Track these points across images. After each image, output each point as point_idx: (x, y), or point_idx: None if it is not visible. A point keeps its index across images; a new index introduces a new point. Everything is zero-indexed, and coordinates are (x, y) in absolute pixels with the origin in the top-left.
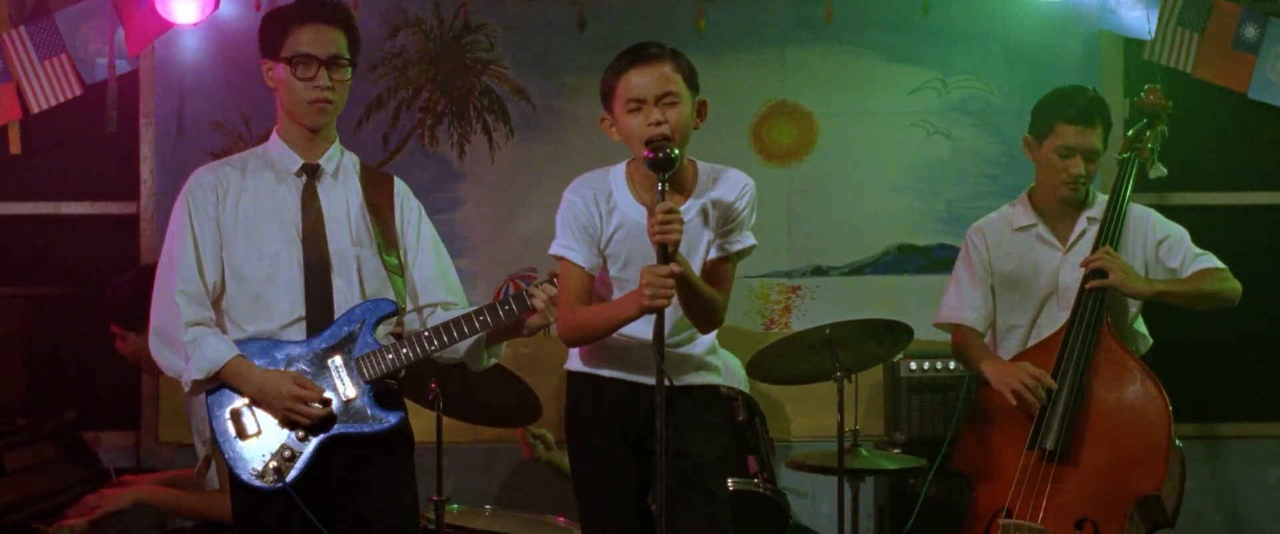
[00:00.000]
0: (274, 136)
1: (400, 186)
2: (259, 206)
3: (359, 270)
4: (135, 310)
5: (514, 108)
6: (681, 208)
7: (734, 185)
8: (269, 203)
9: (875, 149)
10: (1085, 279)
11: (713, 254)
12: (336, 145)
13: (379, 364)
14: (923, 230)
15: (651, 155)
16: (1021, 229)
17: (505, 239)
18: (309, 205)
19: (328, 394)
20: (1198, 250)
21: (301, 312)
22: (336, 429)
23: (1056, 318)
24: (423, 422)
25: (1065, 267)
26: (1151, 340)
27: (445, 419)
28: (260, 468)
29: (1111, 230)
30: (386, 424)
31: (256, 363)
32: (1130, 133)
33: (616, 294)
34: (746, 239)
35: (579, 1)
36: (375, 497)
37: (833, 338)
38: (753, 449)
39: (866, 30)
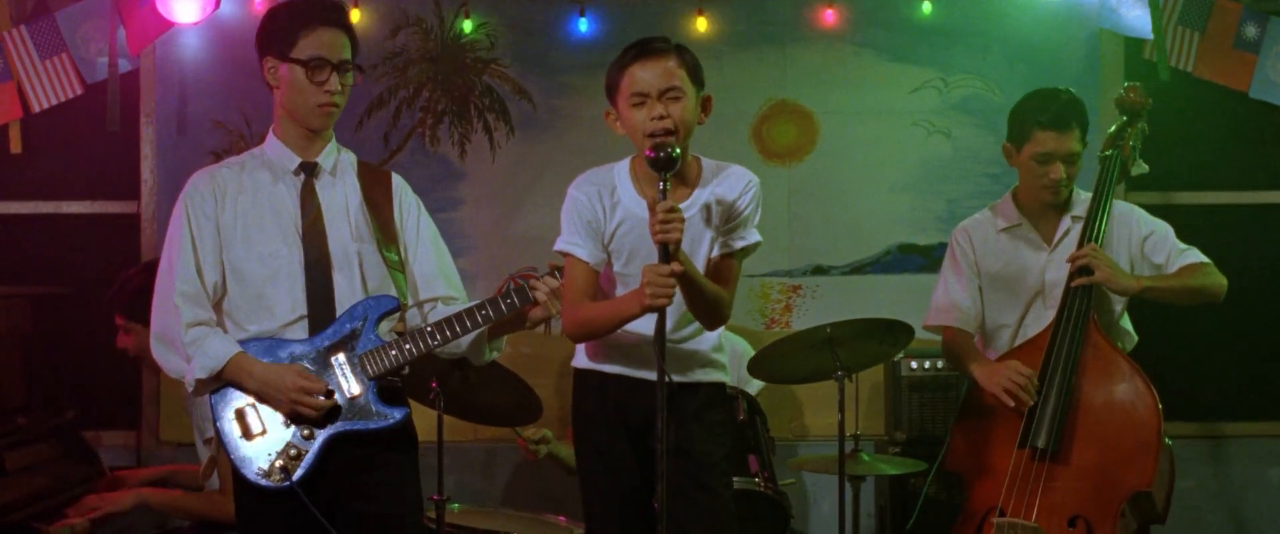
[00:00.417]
0: (270, 137)
1: (398, 182)
2: (258, 207)
3: (360, 267)
4: (142, 303)
5: (514, 107)
6: (684, 204)
7: (738, 182)
8: (268, 202)
9: (876, 148)
10: (1071, 277)
11: (717, 251)
12: (333, 143)
13: (382, 360)
14: (923, 230)
15: (653, 154)
16: (1007, 229)
17: (506, 238)
18: (308, 204)
19: (332, 391)
20: (1182, 246)
21: (303, 310)
22: (341, 426)
23: (1043, 317)
24: (424, 421)
25: (1051, 266)
26: (1137, 338)
27: (446, 418)
28: (267, 467)
29: (1096, 228)
30: (391, 420)
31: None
32: (1112, 130)
33: (620, 291)
34: (751, 235)
35: (580, 1)
36: (379, 495)
37: (833, 337)
38: (753, 448)
39: (867, 29)
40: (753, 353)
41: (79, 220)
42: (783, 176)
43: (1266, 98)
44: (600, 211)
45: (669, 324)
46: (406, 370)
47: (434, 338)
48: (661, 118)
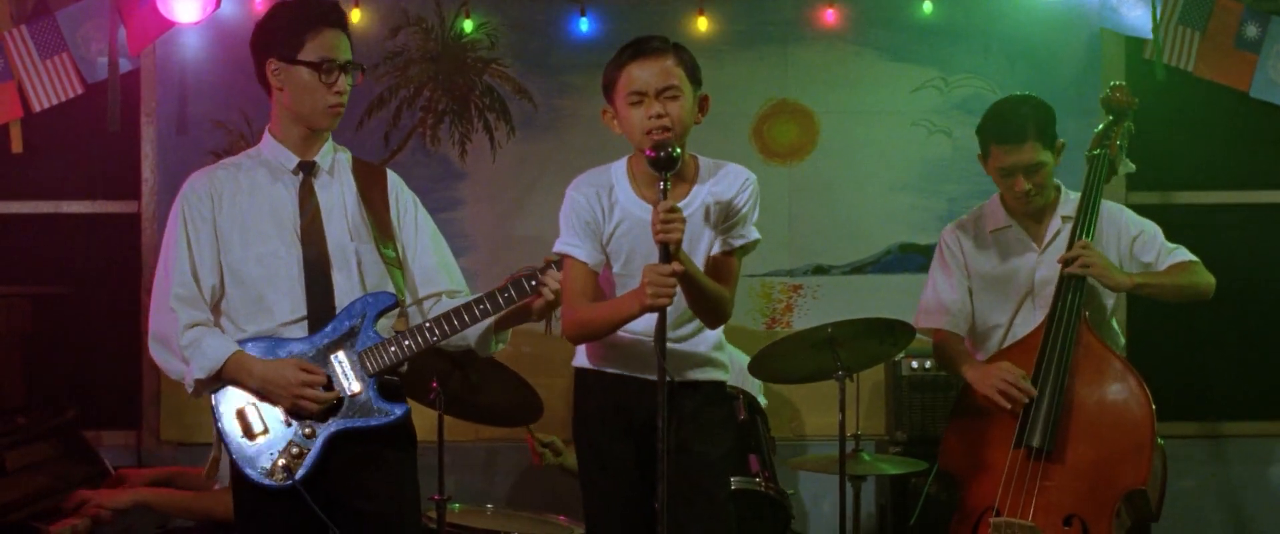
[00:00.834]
0: (267, 137)
1: (393, 179)
2: (256, 207)
3: (358, 265)
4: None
5: (515, 106)
6: (682, 203)
7: (735, 180)
8: (265, 202)
9: (877, 148)
10: (1063, 275)
11: (717, 249)
12: (330, 142)
13: (382, 357)
14: (924, 229)
15: (654, 154)
16: (997, 230)
17: (506, 238)
18: (306, 203)
19: (333, 387)
20: (1171, 245)
21: (303, 311)
22: (343, 423)
23: (1034, 318)
24: (424, 420)
25: (1042, 266)
26: (1124, 339)
27: (447, 418)
28: (269, 466)
29: (1085, 227)
30: (393, 416)
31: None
32: (1099, 130)
33: (619, 293)
34: (750, 233)
35: (581, 0)
36: (378, 494)
37: (834, 337)
38: (754, 448)
39: (868, 29)
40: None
41: (79, 220)
42: (783, 176)
43: (1267, 97)
44: (599, 212)
45: (669, 324)
46: (406, 367)
47: (433, 333)
48: (659, 117)
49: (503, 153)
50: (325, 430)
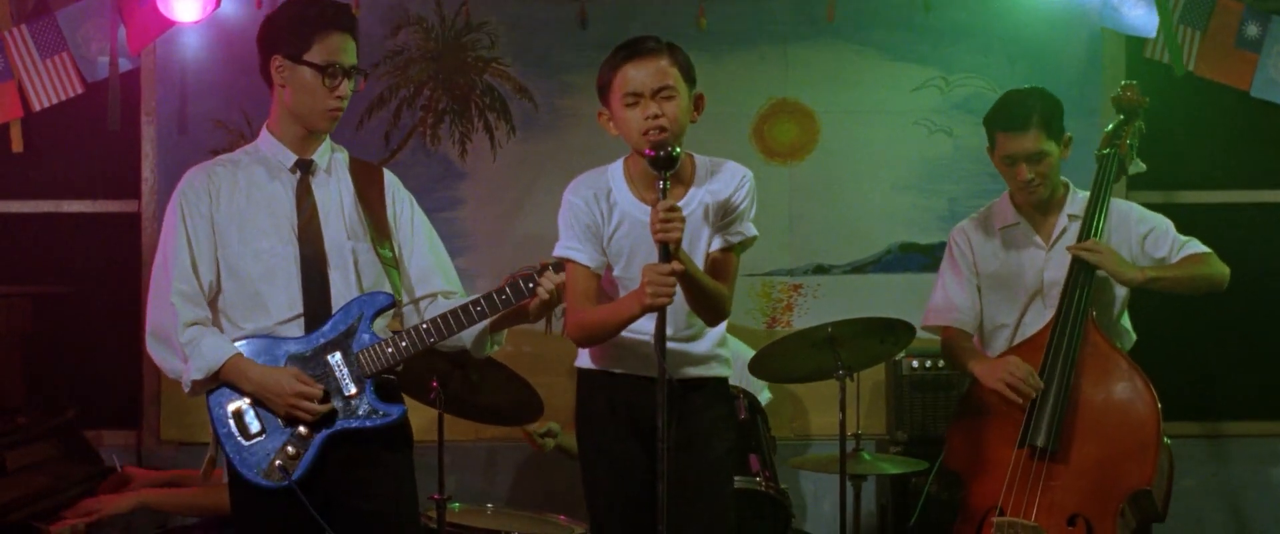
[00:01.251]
0: (265, 133)
1: (390, 179)
2: (253, 204)
3: (355, 264)
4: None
5: (516, 106)
6: (680, 202)
7: (732, 177)
8: (263, 200)
9: (877, 147)
10: (1071, 273)
11: (715, 246)
12: (328, 142)
13: (379, 358)
14: (925, 229)
15: (653, 154)
16: (1005, 228)
17: (507, 238)
18: (303, 201)
19: (328, 390)
20: (1183, 237)
21: (299, 308)
22: (339, 424)
23: (1042, 316)
24: (424, 420)
25: (1049, 265)
26: (1135, 337)
27: (447, 417)
28: (266, 467)
29: (1094, 226)
30: (390, 417)
31: (256, 361)
32: (1109, 129)
33: (620, 294)
34: (748, 229)
35: None
36: (375, 494)
37: (835, 336)
38: (755, 447)
39: (868, 28)
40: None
41: (80, 219)
42: (784, 175)
43: (1268, 97)
44: (598, 215)
45: (672, 323)
46: (401, 367)
47: (430, 334)
48: (656, 117)
49: (503, 152)
50: (322, 432)
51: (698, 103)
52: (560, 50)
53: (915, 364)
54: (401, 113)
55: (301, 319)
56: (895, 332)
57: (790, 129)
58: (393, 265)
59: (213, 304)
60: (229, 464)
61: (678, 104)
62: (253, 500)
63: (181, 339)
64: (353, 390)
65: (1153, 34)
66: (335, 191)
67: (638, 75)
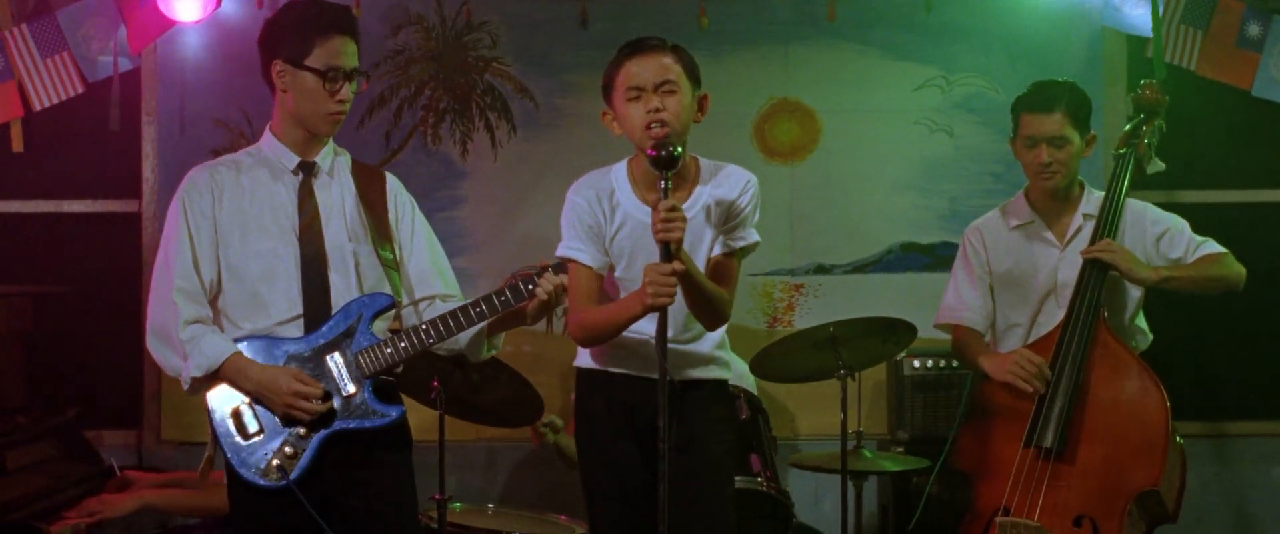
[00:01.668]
0: (268, 135)
1: (392, 181)
2: (255, 204)
3: (356, 266)
4: None
5: (516, 105)
6: (685, 205)
7: (737, 182)
8: (265, 200)
9: (878, 147)
10: (1083, 272)
11: (717, 250)
12: (331, 143)
13: (378, 359)
14: (926, 228)
15: (655, 153)
16: (1018, 227)
17: (507, 237)
18: (305, 202)
19: (328, 390)
20: (1199, 237)
21: (299, 309)
22: (338, 425)
23: (1055, 315)
24: (425, 420)
25: (1063, 264)
26: (1151, 337)
27: (448, 417)
28: (263, 467)
29: (1108, 225)
30: (388, 418)
31: (256, 360)
32: (1127, 128)
33: (622, 295)
34: (750, 235)
35: None
36: (373, 494)
37: (836, 336)
38: (756, 447)
39: (869, 28)
40: (750, 375)
41: (80, 219)
42: (785, 175)
43: (1269, 96)
44: (601, 215)
45: (673, 325)
46: (401, 369)
47: (429, 335)
48: (657, 111)
49: (504, 152)
50: (320, 432)
51: (702, 104)
52: (561, 50)
53: (917, 364)
54: (402, 112)
55: (301, 320)
56: (897, 331)
57: (791, 129)
58: (393, 267)
59: (213, 303)
60: (227, 464)
61: (680, 100)
62: (251, 500)
63: (182, 337)
64: (351, 391)
65: (1154, 34)
66: (337, 193)
67: (640, 70)
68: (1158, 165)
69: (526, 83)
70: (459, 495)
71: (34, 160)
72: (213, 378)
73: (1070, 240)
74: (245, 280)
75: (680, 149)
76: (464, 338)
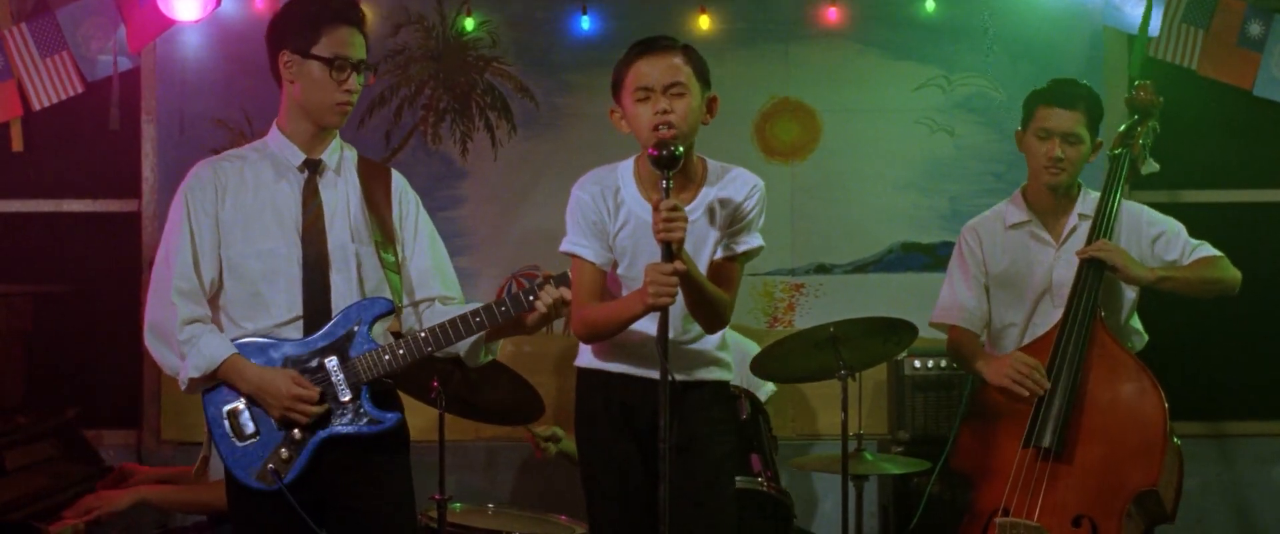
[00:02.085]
0: (274, 130)
1: (398, 181)
2: (259, 202)
3: (358, 268)
4: None
5: (516, 105)
6: (688, 206)
7: (743, 185)
8: (269, 199)
9: (879, 146)
10: (1079, 272)
11: (720, 254)
12: (338, 140)
13: (376, 365)
14: (926, 228)
15: (656, 153)
16: (1015, 226)
17: (507, 236)
18: (310, 201)
19: (324, 394)
20: (1195, 241)
21: (299, 310)
22: (334, 429)
23: (1051, 316)
24: (425, 419)
25: (1059, 264)
26: (1147, 337)
27: (448, 417)
28: (258, 469)
29: (1104, 226)
30: (384, 424)
31: (253, 361)
32: (1122, 129)
33: (625, 293)
34: (754, 240)
35: None
36: (371, 496)
37: (836, 336)
38: (756, 447)
39: (870, 27)
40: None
41: (80, 218)
42: (785, 175)
43: (1270, 96)
44: (605, 212)
45: (674, 325)
46: (399, 375)
47: (428, 344)
48: (665, 113)
49: (504, 151)
50: (316, 436)
51: (711, 105)
52: (561, 49)
53: (917, 364)
54: (402, 112)
55: (301, 321)
56: (897, 331)
57: (792, 128)
58: (395, 270)
59: (213, 302)
60: (224, 466)
61: (688, 102)
62: (247, 501)
63: (180, 337)
64: (348, 396)
65: (1155, 32)
66: (343, 192)
67: (649, 70)
68: (1152, 166)
69: (526, 82)
70: (459, 495)
71: (34, 160)
72: (211, 378)
73: (1066, 240)
74: (246, 279)
75: (681, 150)
76: (462, 345)
